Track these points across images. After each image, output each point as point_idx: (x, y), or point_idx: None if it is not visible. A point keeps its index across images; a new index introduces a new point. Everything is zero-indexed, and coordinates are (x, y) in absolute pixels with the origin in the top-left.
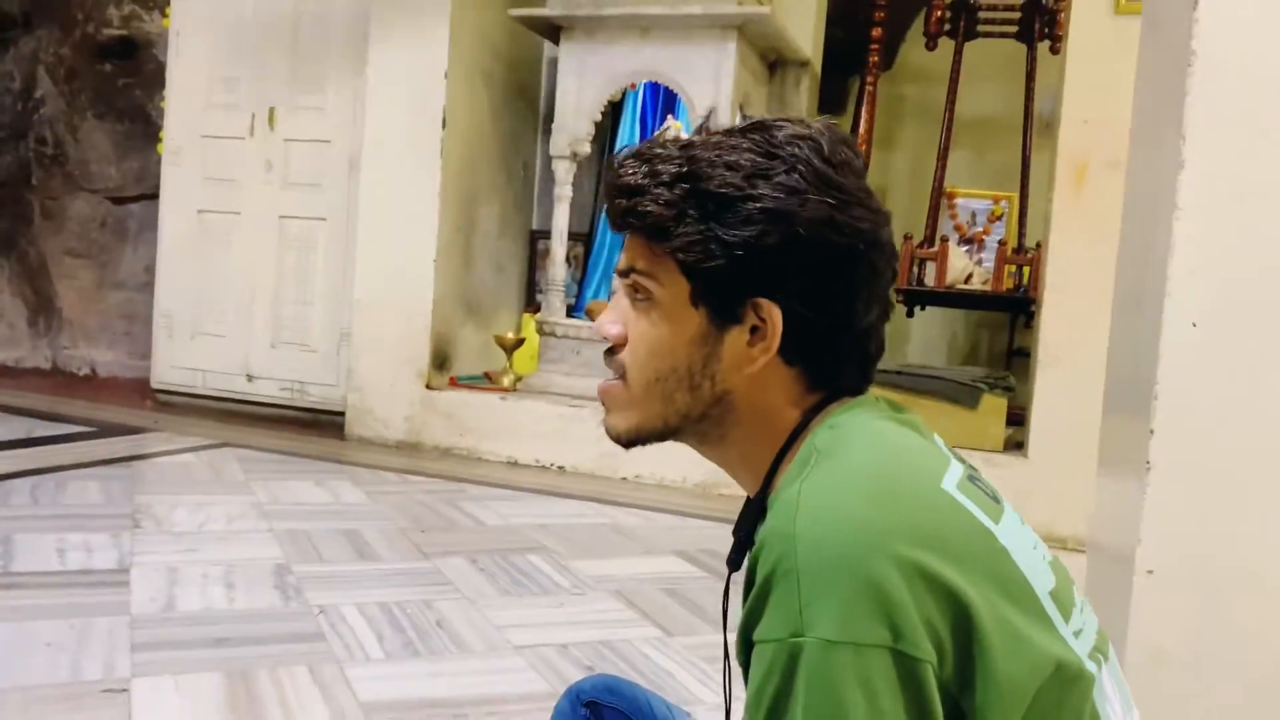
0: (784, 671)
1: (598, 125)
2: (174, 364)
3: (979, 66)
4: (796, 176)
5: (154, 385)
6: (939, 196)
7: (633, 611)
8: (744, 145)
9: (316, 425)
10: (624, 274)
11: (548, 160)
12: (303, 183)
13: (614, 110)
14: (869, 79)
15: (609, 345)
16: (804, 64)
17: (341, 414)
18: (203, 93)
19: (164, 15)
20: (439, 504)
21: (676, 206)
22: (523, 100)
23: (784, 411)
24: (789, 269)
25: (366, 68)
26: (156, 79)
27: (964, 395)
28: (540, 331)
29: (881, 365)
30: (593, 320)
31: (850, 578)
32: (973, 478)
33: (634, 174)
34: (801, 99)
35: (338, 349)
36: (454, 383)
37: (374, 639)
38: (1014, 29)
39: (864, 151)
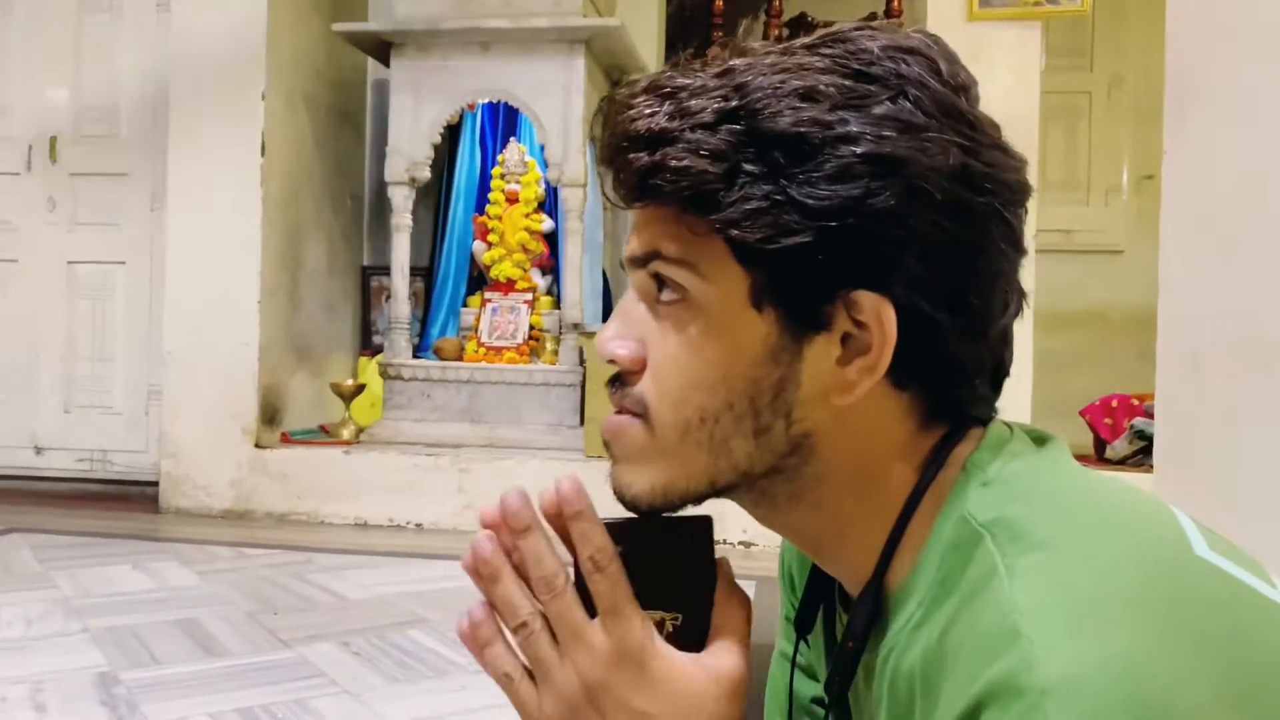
0: None
1: (436, 149)
2: None
3: None
4: (908, 105)
5: None
6: None
7: None
8: (817, 64)
9: (124, 499)
10: (640, 263)
11: (377, 191)
12: (95, 222)
13: (451, 134)
14: None
15: (615, 371)
16: None
17: (154, 484)
18: None
19: None
20: (286, 579)
21: (727, 159)
22: (347, 125)
23: (892, 462)
24: (906, 245)
25: (169, 90)
26: None
27: None
28: (384, 375)
29: None
30: (442, 359)
31: None
32: (1196, 521)
33: (654, 115)
34: None
35: (146, 409)
36: (286, 439)
37: None
38: None
39: None
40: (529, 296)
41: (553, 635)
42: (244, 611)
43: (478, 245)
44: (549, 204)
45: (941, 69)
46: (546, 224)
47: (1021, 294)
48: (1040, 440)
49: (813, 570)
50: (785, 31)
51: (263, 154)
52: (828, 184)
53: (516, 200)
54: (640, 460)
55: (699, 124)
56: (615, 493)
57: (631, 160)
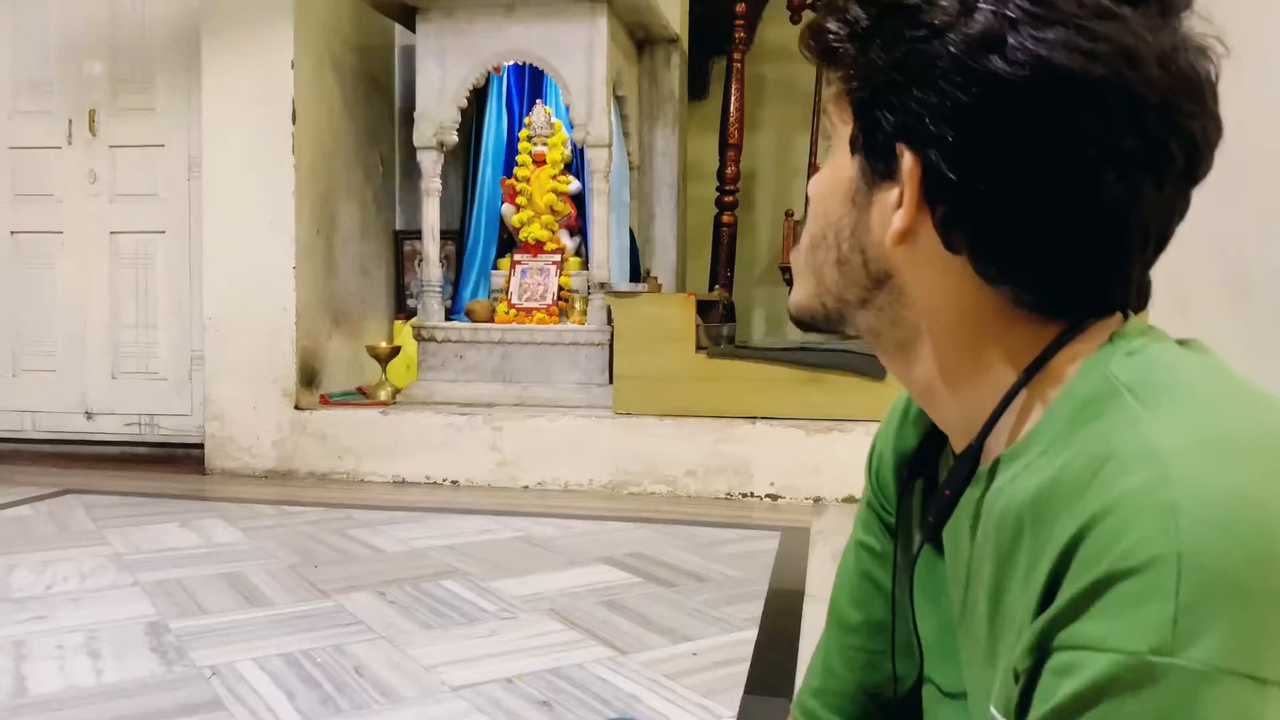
0: (1120, 696)
1: (463, 113)
2: None
3: None
4: None
5: None
6: (814, 174)
7: (575, 631)
8: None
9: (172, 461)
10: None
11: (407, 156)
12: (135, 193)
13: (477, 98)
14: (736, 57)
15: None
16: (673, 41)
17: (200, 446)
18: (7, 99)
19: None
20: (327, 534)
21: (853, 24)
22: (376, 91)
23: (997, 324)
24: (925, 105)
25: (200, 60)
26: None
27: (871, 367)
28: (418, 337)
29: (778, 343)
30: (474, 321)
31: (1265, 585)
32: None
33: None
34: (673, 77)
35: (190, 374)
36: (325, 401)
37: (283, 699)
38: None
39: (736, 132)
40: (557, 258)
41: None
42: (286, 565)
43: (506, 208)
44: (575, 165)
45: None
46: (573, 185)
47: (1171, 185)
48: (1181, 341)
49: (918, 450)
50: None
51: (294, 121)
52: (889, 47)
53: (543, 162)
54: (795, 278)
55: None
56: None
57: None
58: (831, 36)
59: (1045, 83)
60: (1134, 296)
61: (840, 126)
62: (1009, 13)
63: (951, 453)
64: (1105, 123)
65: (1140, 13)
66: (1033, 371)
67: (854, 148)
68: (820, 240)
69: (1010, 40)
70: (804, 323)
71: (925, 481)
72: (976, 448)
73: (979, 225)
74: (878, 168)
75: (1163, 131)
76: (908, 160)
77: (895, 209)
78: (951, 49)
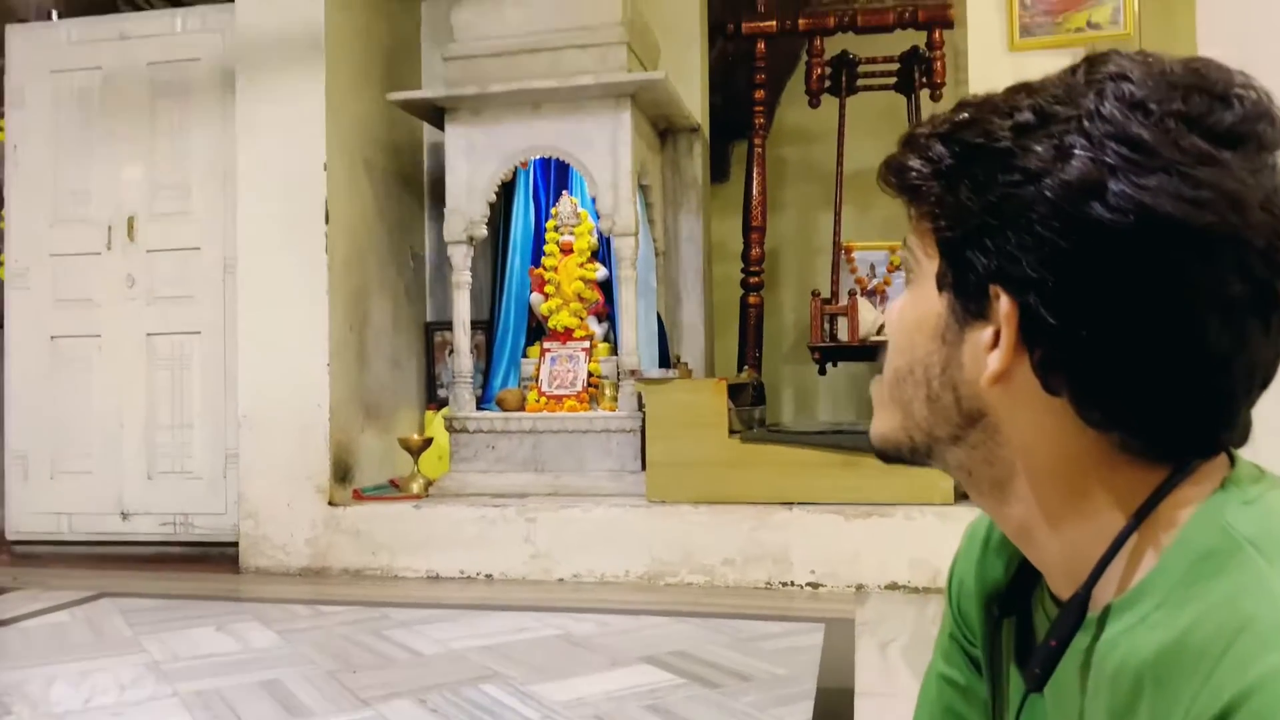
0: None
1: (491, 206)
2: (32, 509)
3: (854, 121)
4: (1075, 128)
5: (10, 536)
6: (839, 252)
7: None
8: (1047, 87)
9: (206, 560)
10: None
11: (438, 249)
12: (171, 295)
13: (505, 191)
14: (757, 141)
15: None
16: (694, 129)
17: (234, 545)
18: (48, 207)
19: None
20: (364, 635)
21: (936, 162)
22: (406, 188)
23: (1100, 467)
24: (1022, 248)
25: (236, 163)
26: None
27: None
28: (450, 429)
29: (811, 426)
30: (505, 410)
31: None
32: None
33: (924, 127)
34: (696, 164)
35: (224, 472)
36: (358, 495)
37: None
38: (893, 80)
39: (759, 215)
40: (586, 344)
41: None
42: (324, 671)
43: (535, 297)
44: (603, 253)
45: (1142, 95)
46: (601, 272)
47: (1245, 335)
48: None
49: (1009, 586)
50: (828, 70)
51: (326, 221)
52: (983, 189)
53: (571, 251)
54: (876, 410)
55: (936, 133)
56: None
57: (889, 156)
58: (914, 174)
59: (1150, 230)
60: (1237, 434)
61: (924, 261)
62: (1107, 159)
63: (1048, 592)
64: (1212, 269)
65: (1239, 155)
66: (1142, 516)
67: (942, 285)
68: (907, 375)
69: (1111, 187)
70: (888, 455)
71: (1017, 619)
72: (1084, 596)
73: (1080, 369)
74: (970, 307)
75: (1268, 274)
76: (1004, 303)
77: (990, 349)
78: (1048, 194)
